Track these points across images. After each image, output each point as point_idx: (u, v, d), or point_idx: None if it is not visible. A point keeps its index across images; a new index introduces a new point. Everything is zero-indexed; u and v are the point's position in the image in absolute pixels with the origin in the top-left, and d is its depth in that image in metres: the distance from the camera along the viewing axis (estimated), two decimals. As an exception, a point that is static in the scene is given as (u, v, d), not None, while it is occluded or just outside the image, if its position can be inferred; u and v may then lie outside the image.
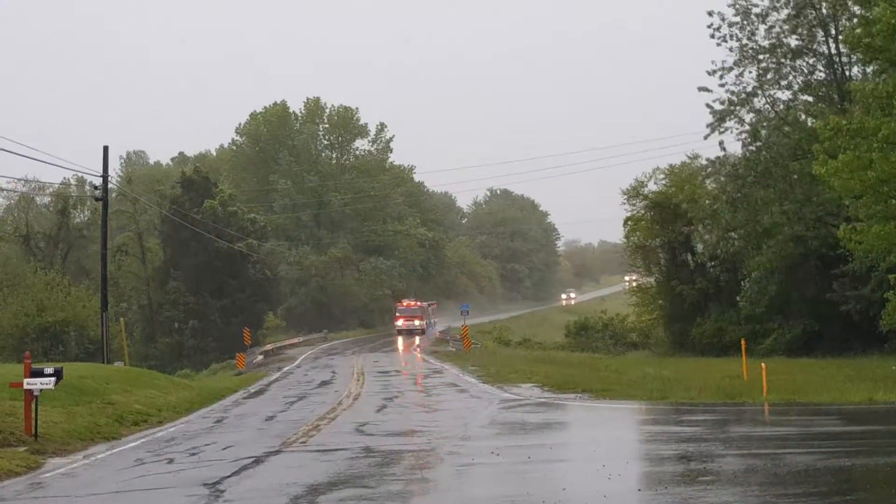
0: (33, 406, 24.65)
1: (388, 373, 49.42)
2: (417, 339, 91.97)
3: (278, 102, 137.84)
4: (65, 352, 67.51)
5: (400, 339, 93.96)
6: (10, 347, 68.23)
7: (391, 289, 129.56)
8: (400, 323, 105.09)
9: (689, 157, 67.63)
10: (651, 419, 26.41)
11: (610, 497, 14.57)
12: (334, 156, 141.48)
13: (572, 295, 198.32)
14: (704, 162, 63.03)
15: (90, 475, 20.33)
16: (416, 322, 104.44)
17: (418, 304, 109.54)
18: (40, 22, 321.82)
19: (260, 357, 76.44)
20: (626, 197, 74.26)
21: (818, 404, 25.92)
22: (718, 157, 60.05)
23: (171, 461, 21.47)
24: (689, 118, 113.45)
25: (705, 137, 58.19)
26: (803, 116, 56.49)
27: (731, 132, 58.26)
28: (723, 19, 57.21)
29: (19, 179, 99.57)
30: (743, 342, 37.63)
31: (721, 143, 59.92)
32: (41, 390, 24.73)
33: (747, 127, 57.64)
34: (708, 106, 57.31)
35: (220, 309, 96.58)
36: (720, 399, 28.55)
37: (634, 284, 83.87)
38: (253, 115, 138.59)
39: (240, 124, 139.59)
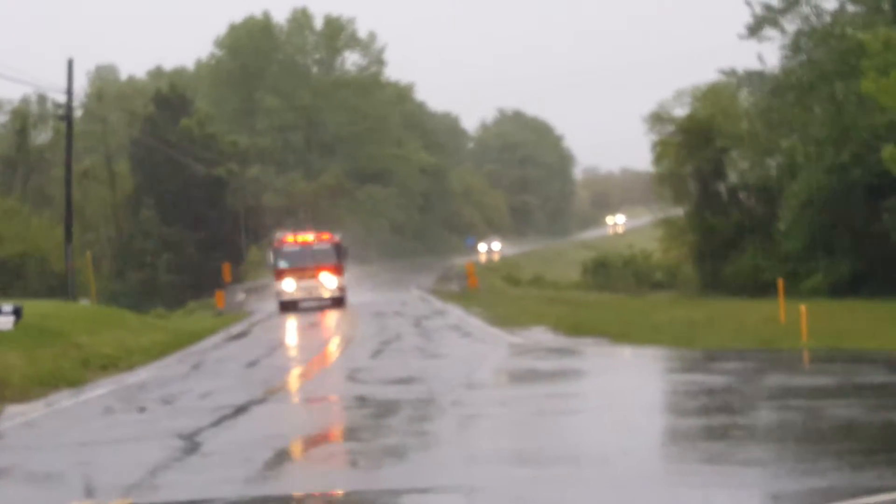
0: (-11, 348, 24.74)
1: (384, 314, 49.46)
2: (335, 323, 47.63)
3: (259, 14, 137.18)
4: (25, 287, 67.65)
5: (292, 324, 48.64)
6: (-36, 283, 68.34)
7: (389, 220, 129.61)
8: (290, 286, 56.46)
9: (724, 74, 67.05)
10: (677, 367, 26.44)
11: (630, 453, 14.58)
12: (325, 72, 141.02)
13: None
14: (741, 75, 62.59)
15: (53, 425, 20.40)
16: (325, 281, 56.56)
17: (325, 239, 58.92)
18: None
19: (242, 296, 76.63)
20: (648, 124, 74.06)
21: (863, 351, 25.90)
22: (756, 72, 59.71)
23: (142, 410, 21.53)
24: (719, 32, 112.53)
25: (742, 38, 57.85)
26: (850, 29, 56.08)
27: (773, 42, 58.02)
28: None
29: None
30: (780, 282, 37.58)
31: (760, 56, 59.50)
32: (-2, 331, 24.80)
33: (789, 39, 57.33)
34: (747, 2, 57.11)
35: (198, 242, 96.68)
36: (754, 345, 28.53)
37: (661, 218, 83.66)
38: (233, 27, 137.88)
39: (218, 36, 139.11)
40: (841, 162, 51.69)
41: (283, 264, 56.88)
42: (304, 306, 56.06)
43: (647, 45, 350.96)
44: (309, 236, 59.16)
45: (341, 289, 57.17)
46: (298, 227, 66.08)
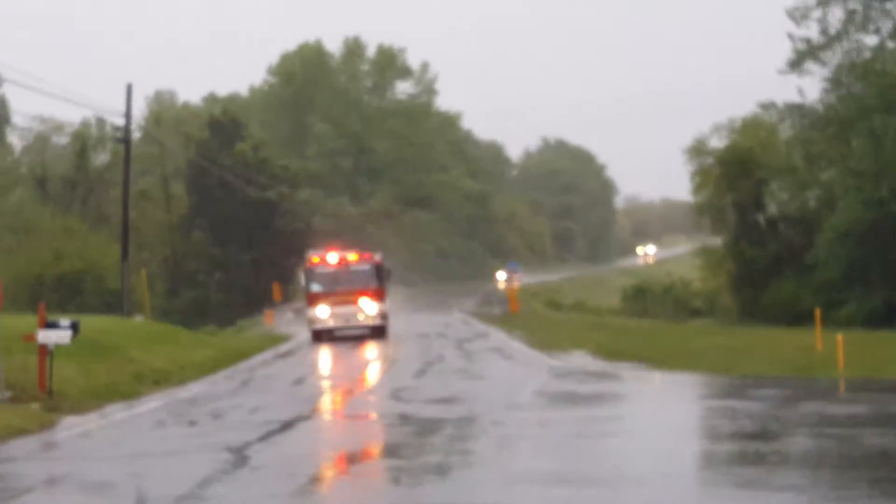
0: (48, 361, 24.88)
1: (428, 335, 49.47)
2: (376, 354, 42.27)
3: (312, 42, 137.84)
4: (82, 303, 68.03)
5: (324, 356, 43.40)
6: (24, 297, 68.60)
7: (433, 244, 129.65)
8: (323, 313, 48.55)
9: (763, 106, 66.82)
10: (714, 393, 26.32)
11: (668, 476, 14.54)
12: (375, 100, 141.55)
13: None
14: (781, 108, 62.43)
15: (107, 436, 20.52)
16: (365, 307, 48.66)
17: (365, 259, 50.51)
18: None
19: (290, 315, 76.72)
20: (688, 156, 73.92)
21: (898, 381, 25.77)
22: (796, 105, 59.55)
23: (193, 424, 21.64)
24: (760, 62, 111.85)
25: (783, 73, 57.78)
26: (891, 65, 55.89)
27: (814, 76, 57.93)
28: None
29: (35, 117, 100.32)
30: (817, 312, 37.41)
31: (800, 89, 59.36)
32: (56, 344, 24.94)
33: (830, 73, 57.21)
34: (789, 37, 57.03)
35: (248, 262, 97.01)
36: (791, 373, 28.39)
37: (700, 246, 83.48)
38: (285, 56, 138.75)
39: (272, 64, 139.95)
40: (879, 196, 51.50)
41: (316, 287, 48.48)
42: (340, 335, 48.77)
43: (689, 75, 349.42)
44: (347, 256, 50.02)
45: (383, 316, 48.67)
46: (339, 246, 53.80)
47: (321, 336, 48.17)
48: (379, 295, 48.55)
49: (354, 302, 48.05)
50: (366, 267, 49.14)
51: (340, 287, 48.08)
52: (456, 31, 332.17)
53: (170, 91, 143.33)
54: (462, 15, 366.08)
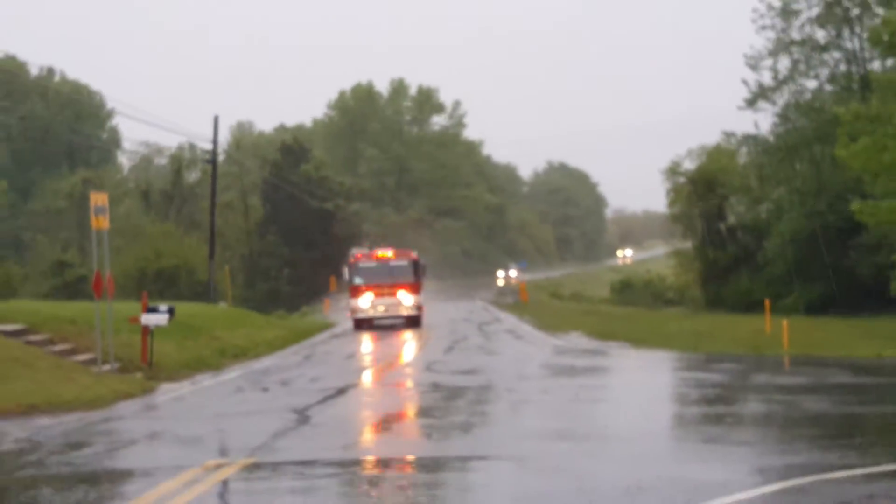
0: (149, 339, 25.01)
1: (455, 320, 49.42)
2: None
3: (364, 83, 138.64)
4: (177, 293, 68.20)
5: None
6: (131, 288, 68.91)
7: (460, 247, 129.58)
8: (365, 303, 44.77)
9: (726, 135, 66.77)
10: (684, 366, 26.28)
11: (647, 433, 14.53)
12: (415, 129, 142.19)
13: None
14: (739, 137, 62.41)
15: (196, 400, 20.60)
16: (403, 299, 44.71)
17: (403, 255, 46.81)
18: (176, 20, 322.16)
19: (344, 304, 76.75)
20: (665, 175, 73.90)
21: (832, 358, 25.64)
22: (752, 135, 59.59)
23: (265, 390, 21.70)
24: (725, 97, 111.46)
25: (741, 109, 57.81)
26: (828, 104, 55.81)
27: (766, 112, 58.05)
28: (769, 8, 56.63)
29: (141, 143, 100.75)
30: (767, 301, 37.23)
31: (755, 122, 59.34)
32: (156, 325, 25.07)
33: (779, 110, 57.26)
34: (745, 83, 57.03)
35: (311, 260, 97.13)
36: (745, 351, 28.32)
37: (673, 249, 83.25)
38: (341, 93, 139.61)
39: (331, 100, 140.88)
40: (818, 209, 51.46)
41: (358, 280, 44.79)
42: (379, 324, 45.34)
43: (667, 107, 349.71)
44: (387, 252, 46.48)
45: (418, 307, 45.03)
46: (381, 246, 50.87)
47: (362, 324, 44.47)
48: (415, 288, 44.88)
49: (393, 294, 44.31)
50: (404, 262, 45.47)
51: (381, 280, 44.42)
52: (480, 70, 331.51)
53: (248, 121, 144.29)
54: (484, 57, 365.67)
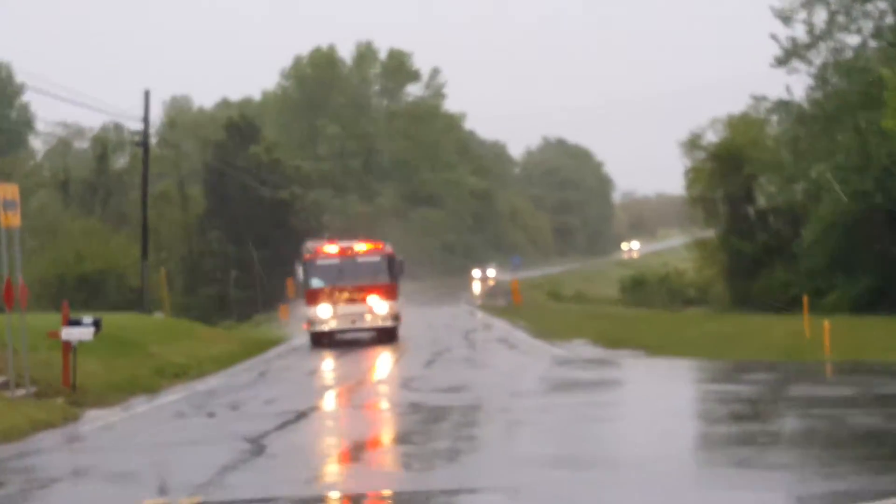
0: (71, 357, 24.90)
1: (436, 327, 49.46)
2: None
3: (324, 47, 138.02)
4: (104, 301, 68.02)
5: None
6: (49, 297, 68.63)
7: (440, 240, 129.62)
8: (325, 312, 39.82)
9: (755, 99, 66.60)
10: (708, 377, 26.35)
11: (664, 458, 14.56)
12: (385, 102, 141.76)
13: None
14: (770, 105, 62.33)
15: (129, 428, 20.55)
16: (374, 306, 39.86)
17: (374, 248, 41.55)
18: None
19: (302, 310, 76.65)
20: (683, 150, 73.87)
21: (883, 364, 25.75)
22: (784, 102, 59.47)
23: (212, 415, 21.67)
24: (752, 62, 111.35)
25: (773, 67, 57.65)
26: (872, 63, 55.83)
27: (800, 73, 57.86)
28: None
29: (58, 123, 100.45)
30: (804, 299, 37.40)
31: (787, 87, 59.28)
32: (80, 341, 24.97)
33: (815, 71, 57.14)
34: (773, 38, 56.91)
35: (263, 260, 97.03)
36: (780, 357, 28.42)
37: (693, 239, 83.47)
38: (297, 60, 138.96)
39: (284, 68, 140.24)
40: (864, 189, 51.46)
41: (316, 282, 39.77)
42: (344, 338, 41.50)
43: (683, 76, 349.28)
44: (354, 245, 41.24)
45: (395, 317, 40.02)
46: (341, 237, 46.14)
47: (321, 340, 40.18)
48: (390, 292, 39.86)
49: (362, 300, 39.39)
50: (376, 259, 40.37)
51: (345, 282, 39.53)
52: (460, 35, 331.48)
53: (185, 97, 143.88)
54: (467, 21, 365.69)
